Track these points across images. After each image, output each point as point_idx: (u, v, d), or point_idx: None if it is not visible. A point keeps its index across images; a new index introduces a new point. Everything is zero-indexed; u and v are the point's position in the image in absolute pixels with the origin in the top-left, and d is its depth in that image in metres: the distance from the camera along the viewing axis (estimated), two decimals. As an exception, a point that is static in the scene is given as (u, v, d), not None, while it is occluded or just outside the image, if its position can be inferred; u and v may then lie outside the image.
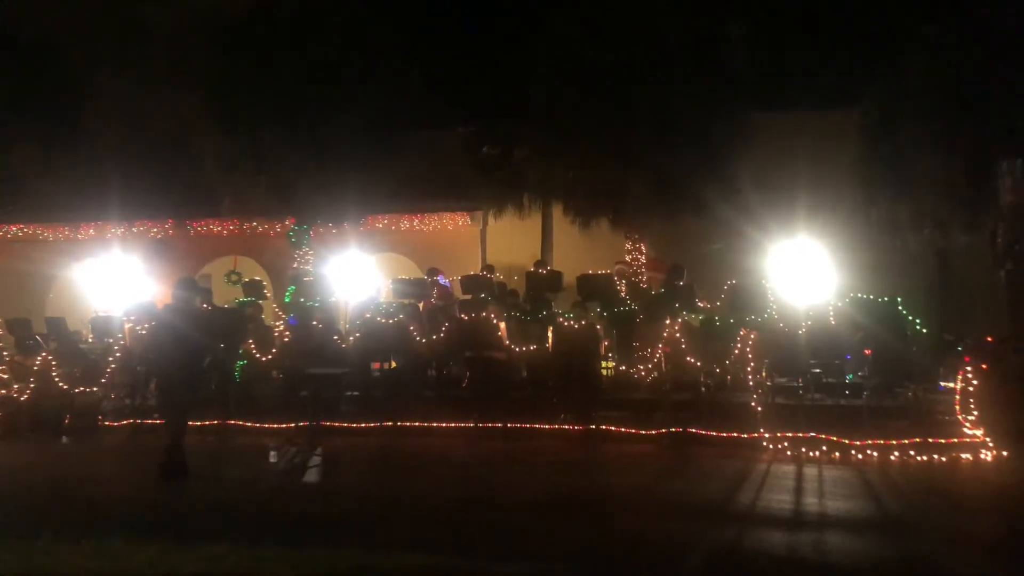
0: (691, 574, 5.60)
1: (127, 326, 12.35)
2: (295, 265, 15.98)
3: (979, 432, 8.97)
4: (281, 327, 12.50)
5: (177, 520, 6.76)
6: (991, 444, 8.76)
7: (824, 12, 19.06)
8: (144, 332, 11.22)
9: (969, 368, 9.27)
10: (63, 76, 17.51)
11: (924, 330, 10.78)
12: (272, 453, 9.19)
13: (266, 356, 11.93)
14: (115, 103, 17.39)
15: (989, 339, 10.22)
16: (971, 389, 9.18)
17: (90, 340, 13.21)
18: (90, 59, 17.22)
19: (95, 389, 11.95)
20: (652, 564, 5.65)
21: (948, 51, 12.68)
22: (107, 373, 12.01)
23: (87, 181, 17.69)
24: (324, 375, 10.98)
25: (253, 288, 13.61)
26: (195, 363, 8.78)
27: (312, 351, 11.07)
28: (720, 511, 6.97)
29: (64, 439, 11.10)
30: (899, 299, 10.47)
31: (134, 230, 18.90)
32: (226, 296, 14.93)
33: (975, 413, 9.09)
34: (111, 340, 12.42)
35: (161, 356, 8.69)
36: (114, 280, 16.00)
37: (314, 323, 11.86)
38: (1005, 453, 8.63)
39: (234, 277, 16.46)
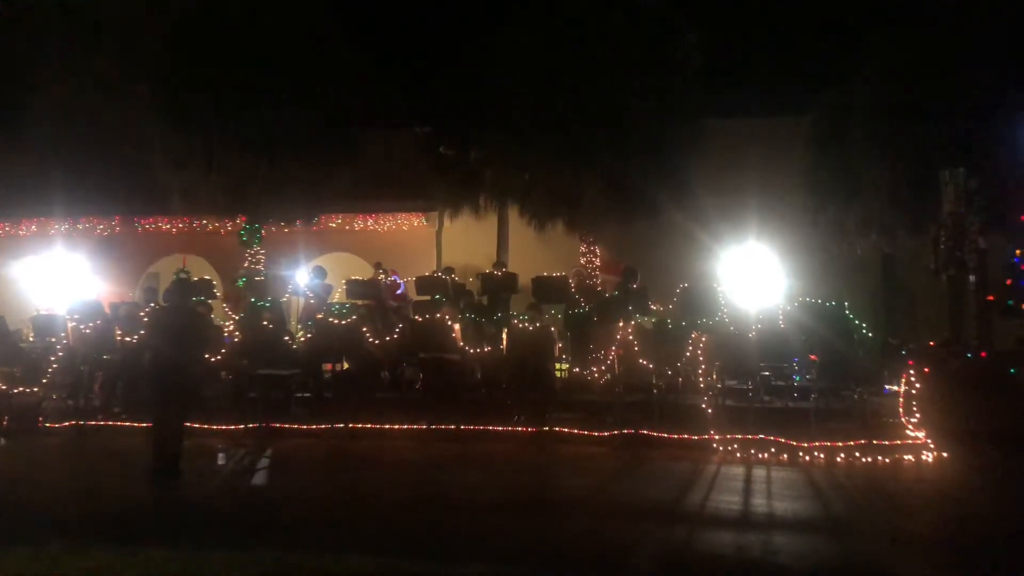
0: (642, 574, 5.65)
1: (70, 325, 12.02)
2: (245, 264, 15.73)
3: (921, 434, 9.20)
4: (231, 327, 12.28)
5: (120, 524, 6.60)
6: (933, 446, 8.99)
7: (776, 23, 19.44)
8: (139, 334, 11.00)
9: (912, 372, 9.50)
10: (6, 69, 17.00)
11: (869, 334, 11.03)
12: (220, 455, 9.06)
13: (215, 356, 11.70)
14: (61, 97, 16.94)
15: (931, 343, 10.49)
16: (914, 392, 9.40)
17: (31, 339, 12.83)
18: (35, 53, 16.75)
19: (35, 389, 11.60)
20: (604, 565, 5.68)
21: (894, 63, 13.01)
22: (48, 373, 11.67)
23: (30, 176, 17.21)
24: (274, 376, 10.84)
25: (202, 287, 13.34)
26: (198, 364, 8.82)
27: (262, 352, 10.91)
28: (671, 512, 7.03)
29: (2, 441, 10.75)
30: (846, 303, 10.69)
31: (79, 227, 18.44)
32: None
33: (918, 416, 9.32)
34: (53, 339, 12.07)
35: (166, 358, 8.41)
36: (57, 278, 15.57)
37: (264, 323, 11.69)
38: (946, 455, 8.86)
39: (183, 276, 16.13)
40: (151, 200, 16.08)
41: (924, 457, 8.92)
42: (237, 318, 12.47)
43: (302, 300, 14.04)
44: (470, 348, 11.09)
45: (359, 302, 12.43)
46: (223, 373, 11.97)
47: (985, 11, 12.35)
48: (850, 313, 10.60)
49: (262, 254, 15.95)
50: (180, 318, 8.52)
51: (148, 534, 6.10)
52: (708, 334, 10.46)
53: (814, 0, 18.71)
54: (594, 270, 15.37)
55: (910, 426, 9.40)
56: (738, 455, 9.21)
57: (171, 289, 9.03)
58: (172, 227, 18.32)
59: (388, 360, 11.97)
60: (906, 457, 8.92)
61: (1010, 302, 10.59)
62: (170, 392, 8.21)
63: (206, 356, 9.83)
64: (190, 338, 8.39)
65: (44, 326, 12.58)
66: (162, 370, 8.27)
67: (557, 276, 12.70)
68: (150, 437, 8.34)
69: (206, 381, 10.80)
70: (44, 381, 11.64)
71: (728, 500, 7.48)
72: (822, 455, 9.01)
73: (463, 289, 13.39)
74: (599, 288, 14.45)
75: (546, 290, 12.13)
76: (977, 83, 11.88)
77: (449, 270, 14.26)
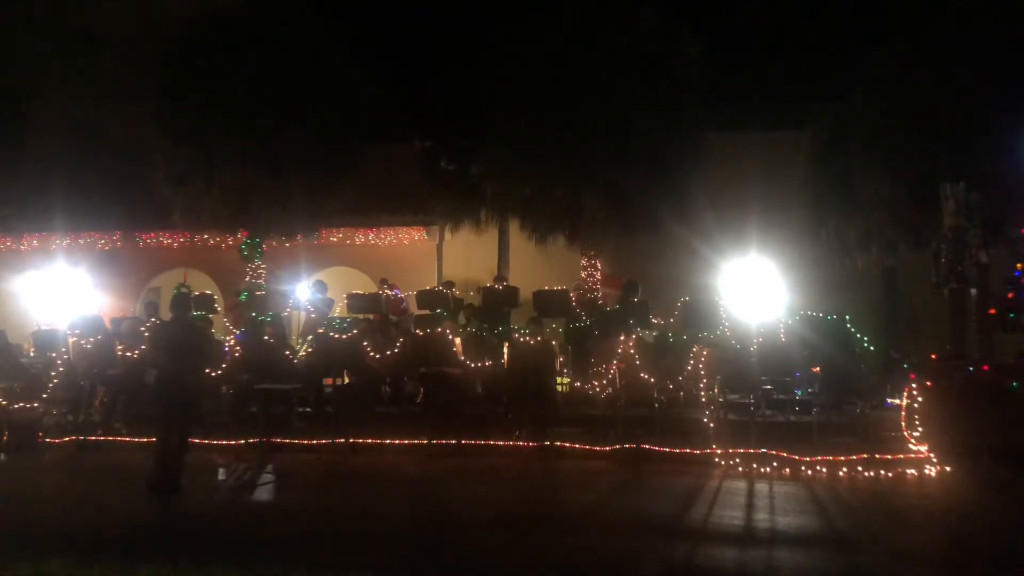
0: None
1: (71, 340, 12.02)
2: (247, 279, 15.74)
3: (924, 448, 9.17)
4: (231, 341, 12.28)
5: (120, 540, 6.55)
6: (935, 460, 8.96)
7: (777, 38, 19.56)
8: (144, 348, 11.02)
9: (914, 385, 9.48)
10: (8, 85, 17.09)
11: (871, 348, 11.01)
12: (221, 470, 9.04)
13: (216, 371, 11.70)
14: (62, 112, 17.03)
15: (933, 357, 10.46)
16: (916, 406, 9.38)
17: (31, 354, 12.83)
18: (37, 68, 16.85)
19: (36, 405, 11.58)
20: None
21: (895, 78, 13.05)
22: (49, 388, 11.66)
23: (31, 191, 17.25)
24: (275, 391, 10.82)
25: (203, 302, 13.36)
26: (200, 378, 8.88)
27: (263, 366, 10.90)
28: (672, 527, 7.00)
29: (2, 456, 10.73)
30: (847, 317, 10.68)
31: (80, 241, 18.47)
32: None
33: (920, 429, 9.29)
34: (54, 354, 12.07)
35: (171, 372, 8.42)
36: (58, 293, 15.58)
37: (265, 338, 11.69)
38: (948, 468, 8.83)
39: (184, 290, 16.15)
40: (152, 215, 16.12)
41: (926, 471, 8.89)
42: (238, 332, 12.47)
43: (303, 314, 14.05)
44: (471, 362, 11.08)
45: (360, 316, 12.43)
46: (224, 388, 11.97)
47: (985, 25, 12.40)
48: (852, 327, 10.59)
49: (263, 268, 15.96)
50: (181, 333, 8.53)
51: (149, 550, 6.06)
52: (709, 348, 10.45)
53: (815, 15, 18.84)
54: (595, 284, 15.36)
55: (912, 440, 9.38)
56: (740, 469, 9.18)
57: (173, 304, 9.07)
58: (173, 242, 18.33)
59: (389, 374, 11.96)
60: (908, 471, 8.90)
61: (1012, 315, 10.58)
62: (172, 407, 8.20)
63: (207, 371, 9.83)
64: (191, 353, 8.40)
65: (45, 341, 12.59)
66: (164, 385, 8.26)
67: (558, 290, 12.70)
68: (153, 452, 8.32)
69: (207, 396, 10.79)
70: (44, 396, 11.65)
71: (730, 515, 7.44)
72: (824, 469, 8.99)
73: (463, 304, 13.40)
74: (600, 302, 14.43)
75: (547, 304, 12.12)
76: (978, 97, 11.92)
77: (450, 284, 14.27)
